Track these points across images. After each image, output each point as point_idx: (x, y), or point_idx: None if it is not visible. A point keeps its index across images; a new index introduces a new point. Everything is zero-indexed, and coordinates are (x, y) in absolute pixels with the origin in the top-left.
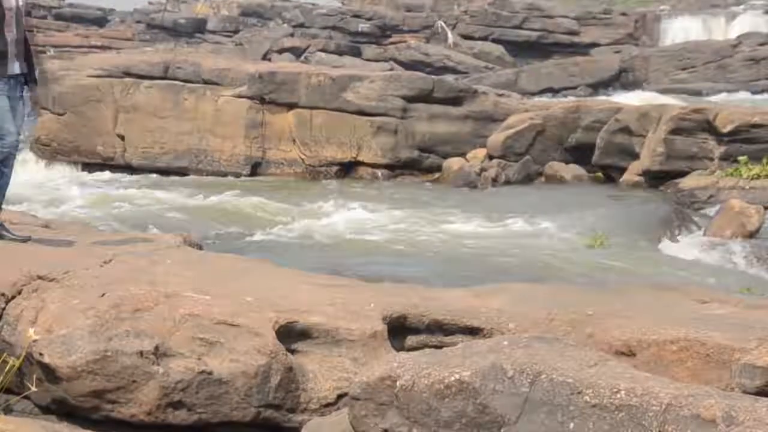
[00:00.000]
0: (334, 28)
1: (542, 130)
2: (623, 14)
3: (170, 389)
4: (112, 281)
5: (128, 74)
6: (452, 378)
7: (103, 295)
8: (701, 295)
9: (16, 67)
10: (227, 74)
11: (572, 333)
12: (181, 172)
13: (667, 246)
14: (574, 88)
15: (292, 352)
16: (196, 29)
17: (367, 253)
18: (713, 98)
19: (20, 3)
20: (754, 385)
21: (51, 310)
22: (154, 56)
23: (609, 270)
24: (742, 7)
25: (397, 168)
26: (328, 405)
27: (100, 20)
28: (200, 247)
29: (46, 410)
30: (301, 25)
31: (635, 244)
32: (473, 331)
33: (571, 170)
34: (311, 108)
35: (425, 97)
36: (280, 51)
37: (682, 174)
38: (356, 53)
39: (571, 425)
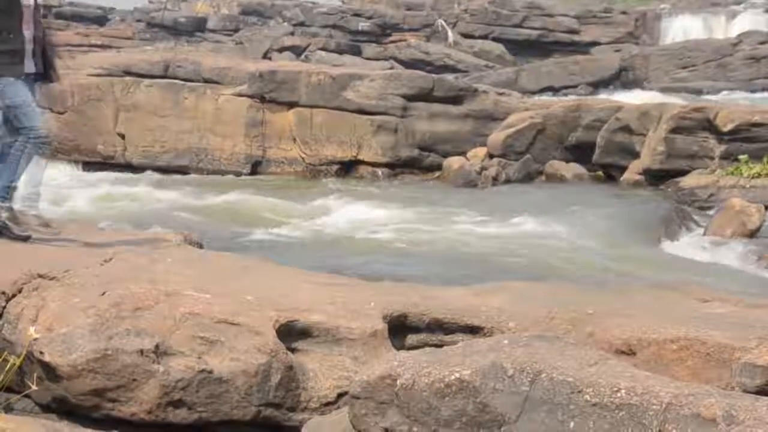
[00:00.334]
0: (334, 26)
1: (542, 128)
2: (624, 13)
3: (170, 388)
4: (113, 280)
5: (128, 73)
6: (452, 377)
7: (103, 293)
8: (701, 294)
9: (31, 66)
10: (227, 73)
11: (572, 332)
12: (182, 170)
13: (667, 245)
14: (575, 86)
15: (293, 350)
16: (196, 28)
17: (368, 252)
18: (713, 97)
19: (38, 0)
20: (754, 384)
21: (51, 309)
22: (154, 55)
23: (609, 269)
24: (742, 5)
25: (398, 167)
26: (328, 404)
27: (100, 19)
28: (200, 246)
29: (46, 409)
30: (302, 24)
31: (635, 242)
32: (473, 330)
33: (571, 169)
34: (311, 107)
35: (425, 96)
36: (281, 50)
37: (683, 173)
38: (356, 52)
39: (572, 424)
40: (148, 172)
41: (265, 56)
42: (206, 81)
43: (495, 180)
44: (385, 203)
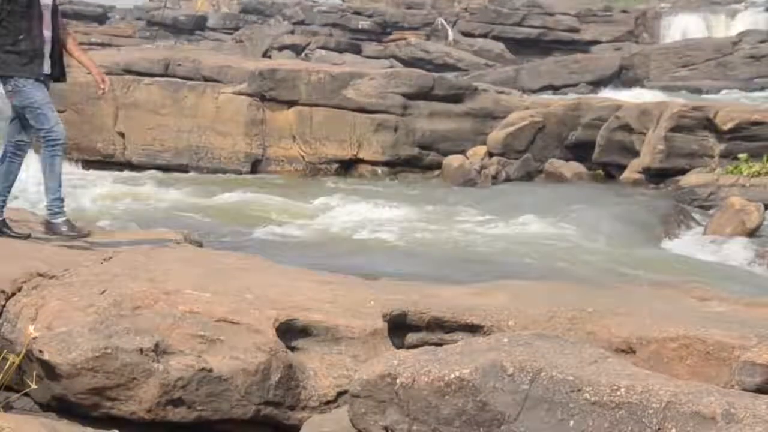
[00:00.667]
0: (334, 25)
1: (542, 127)
2: (624, 11)
3: (170, 386)
4: (112, 278)
5: (128, 71)
6: (452, 375)
7: (103, 292)
8: (701, 292)
9: (47, 67)
10: (227, 71)
11: (572, 330)
12: (182, 169)
13: (666, 243)
14: (575, 85)
15: (292, 349)
16: (196, 26)
17: (368, 251)
18: (713, 96)
19: (56, 0)
20: (753, 383)
21: (51, 307)
22: (154, 53)
23: (609, 267)
24: (742, 4)
25: (397, 165)
26: (328, 402)
27: (100, 17)
28: (200, 245)
29: (46, 407)
30: (302, 23)
31: (635, 241)
32: (473, 329)
33: (571, 168)
34: (311, 105)
35: (425, 95)
36: (281, 48)
37: (683, 171)
38: (356, 50)
39: (571, 422)
40: (148, 171)
41: (265, 54)
42: (206, 79)
43: (495, 178)
44: (385, 202)
